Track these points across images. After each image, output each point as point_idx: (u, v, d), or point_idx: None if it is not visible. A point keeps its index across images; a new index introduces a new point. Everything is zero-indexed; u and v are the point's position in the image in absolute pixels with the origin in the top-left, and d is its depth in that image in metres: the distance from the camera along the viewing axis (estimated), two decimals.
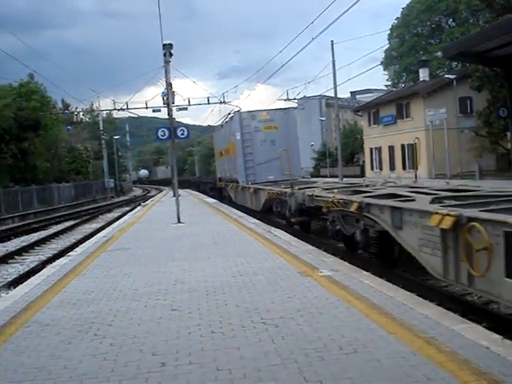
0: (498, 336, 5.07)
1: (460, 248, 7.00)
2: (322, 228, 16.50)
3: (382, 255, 11.03)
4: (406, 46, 70.40)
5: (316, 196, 14.23)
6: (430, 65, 59.05)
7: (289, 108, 29.64)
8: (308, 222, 17.24)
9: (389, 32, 72.92)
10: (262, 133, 26.71)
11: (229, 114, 32.03)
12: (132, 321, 6.27)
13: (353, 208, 10.91)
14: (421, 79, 55.99)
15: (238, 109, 32.53)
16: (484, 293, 6.92)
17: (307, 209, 15.70)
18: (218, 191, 36.05)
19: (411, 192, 11.37)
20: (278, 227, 16.03)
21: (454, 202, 8.95)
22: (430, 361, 4.46)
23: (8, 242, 23.38)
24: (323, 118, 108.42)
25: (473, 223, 6.67)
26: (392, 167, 53.01)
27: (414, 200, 9.65)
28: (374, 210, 10.17)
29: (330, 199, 12.65)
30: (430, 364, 4.39)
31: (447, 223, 7.11)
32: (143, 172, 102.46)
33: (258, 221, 17.84)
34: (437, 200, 9.30)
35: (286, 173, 22.16)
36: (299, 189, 16.53)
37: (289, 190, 16.68)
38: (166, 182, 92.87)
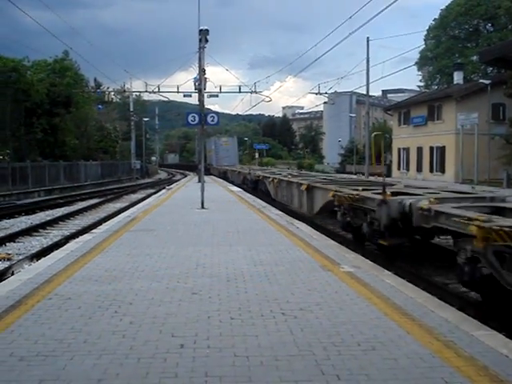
0: None
1: None
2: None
3: None
4: (442, 48, 69.54)
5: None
6: (464, 68, 58.32)
7: (234, 136, 68.91)
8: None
9: (425, 33, 72.16)
10: (223, 146, 60.72)
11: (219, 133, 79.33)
12: (152, 301, 6.33)
13: None
14: (455, 82, 55.30)
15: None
16: None
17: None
18: (208, 170, 55.30)
19: None
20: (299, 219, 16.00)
21: None
22: (447, 364, 4.43)
23: (33, 215, 23.69)
24: (353, 115, 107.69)
25: None
26: (419, 169, 52.56)
27: None
28: None
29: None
30: (448, 367, 4.37)
31: None
32: (153, 158, 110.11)
33: (281, 212, 17.82)
34: None
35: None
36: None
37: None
38: (176, 167, 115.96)
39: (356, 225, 12.56)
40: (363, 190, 13.00)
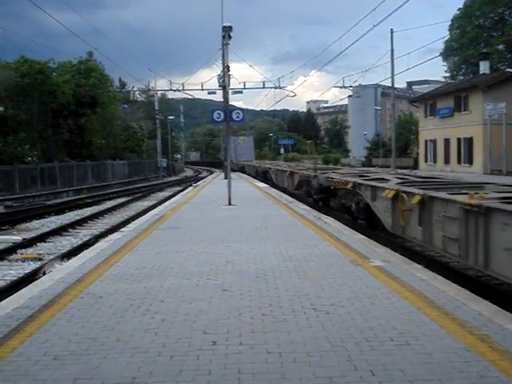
0: None
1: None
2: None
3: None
4: (467, 38, 68.58)
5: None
6: (490, 58, 57.43)
7: (250, 136, 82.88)
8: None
9: (450, 23, 71.23)
10: (241, 145, 63.99)
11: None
12: (183, 298, 6.35)
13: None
14: (481, 72, 54.52)
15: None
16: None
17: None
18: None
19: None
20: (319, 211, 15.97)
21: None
22: (483, 358, 4.38)
23: (62, 215, 23.97)
24: (378, 108, 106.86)
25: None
26: (447, 160, 51.99)
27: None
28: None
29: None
30: (483, 361, 4.31)
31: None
32: (177, 155, 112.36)
33: (308, 207, 17.80)
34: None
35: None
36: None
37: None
38: (197, 164, 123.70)
39: (309, 191, 21.98)
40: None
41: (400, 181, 13.94)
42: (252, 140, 72.85)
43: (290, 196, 23.25)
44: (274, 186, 31.60)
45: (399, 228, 11.49)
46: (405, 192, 10.97)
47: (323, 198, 20.56)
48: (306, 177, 22.68)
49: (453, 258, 9.90)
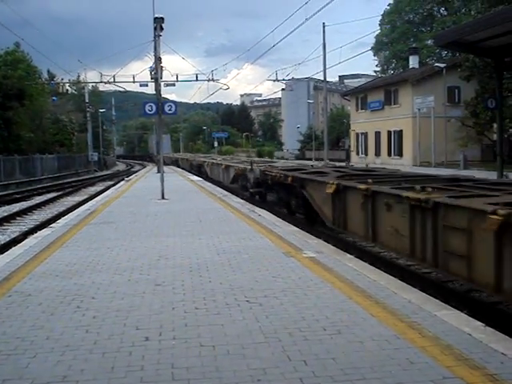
0: (480, 323, 5.07)
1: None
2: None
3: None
4: (397, 33, 70.18)
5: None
6: (420, 52, 59.01)
7: (168, 134, 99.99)
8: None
9: (381, 17, 72.66)
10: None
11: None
12: (115, 294, 6.24)
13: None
14: (410, 66, 56.02)
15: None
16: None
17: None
18: (151, 158, 75.99)
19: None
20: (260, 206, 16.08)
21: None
22: (412, 345, 4.48)
23: None
24: (311, 101, 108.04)
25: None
26: (377, 153, 53.14)
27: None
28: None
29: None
30: (413, 348, 4.42)
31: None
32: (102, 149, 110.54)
33: (242, 200, 17.83)
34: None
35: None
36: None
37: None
38: (130, 157, 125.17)
39: (193, 168, 42.39)
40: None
41: (237, 160, 30.11)
42: (169, 137, 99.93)
43: (224, 189, 23.21)
44: (182, 169, 48.03)
45: (224, 181, 26.62)
46: (227, 165, 25.71)
47: (198, 170, 37.21)
48: (191, 161, 44.99)
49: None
